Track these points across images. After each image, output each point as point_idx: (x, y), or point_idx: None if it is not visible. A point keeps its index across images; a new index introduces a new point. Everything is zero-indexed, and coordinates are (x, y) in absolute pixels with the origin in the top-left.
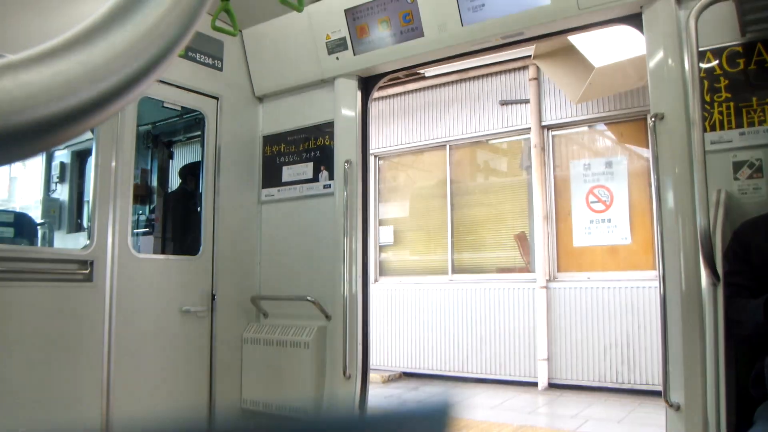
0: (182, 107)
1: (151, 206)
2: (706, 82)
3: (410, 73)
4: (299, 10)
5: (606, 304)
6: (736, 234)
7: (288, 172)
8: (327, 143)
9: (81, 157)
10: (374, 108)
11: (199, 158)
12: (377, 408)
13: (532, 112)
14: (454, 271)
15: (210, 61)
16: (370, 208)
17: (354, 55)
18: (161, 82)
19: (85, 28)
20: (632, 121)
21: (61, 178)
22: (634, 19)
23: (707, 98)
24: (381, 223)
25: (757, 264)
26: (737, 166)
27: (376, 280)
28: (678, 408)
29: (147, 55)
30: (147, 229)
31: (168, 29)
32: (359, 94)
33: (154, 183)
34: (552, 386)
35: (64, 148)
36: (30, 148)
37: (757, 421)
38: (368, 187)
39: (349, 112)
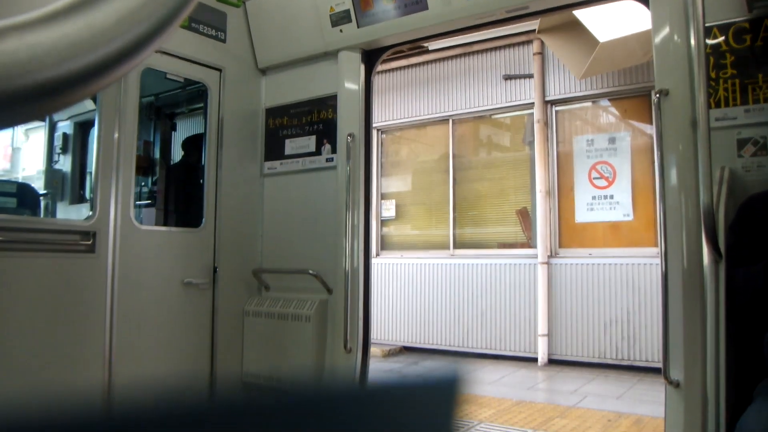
0: (185, 79)
1: (154, 178)
2: (711, 59)
3: (414, 46)
4: None
5: (607, 281)
6: (741, 207)
7: (291, 145)
8: (330, 117)
9: (84, 128)
10: (377, 81)
11: (201, 130)
12: (387, 379)
13: (536, 87)
14: (455, 246)
15: (213, 32)
16: (372, 182)
17: (358, 27)
18: (164, 53)
19: None
20: (636, 96)
21: (64, 149)
22: None
23: (713, 74)
24: (383, 197)
25: (760, 236)
26: (741, 143)
27: (377, 254)
28: (677, 385)
29: (151, 21)
30: (149, 201)
31: None
32: (363, 67)
33: (157, 155)
34: (551, 362)
35: (66, 119)
36: (34, 111)
37: (757, 398)
38: (371, 161)
39: (352, 86)
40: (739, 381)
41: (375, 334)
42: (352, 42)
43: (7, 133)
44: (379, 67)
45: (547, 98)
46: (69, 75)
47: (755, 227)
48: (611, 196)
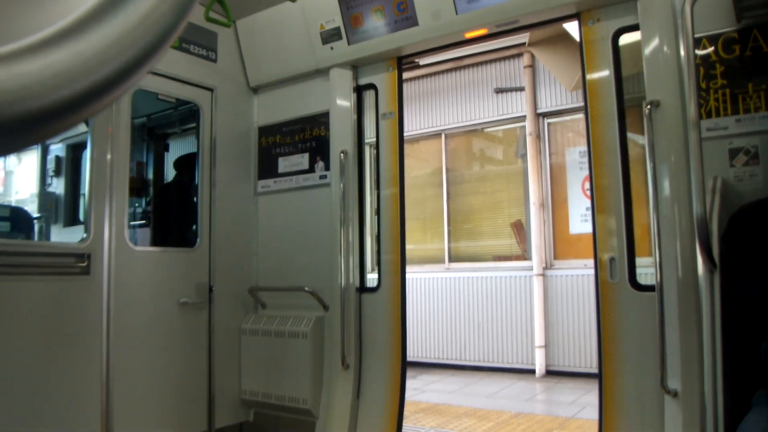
0: (177, 99)
1: (147, 199)
2: (701, 69)
3: (405, 61)
4: (293, 0)
5: None
6: (733, 217)
7: (284, 163)
8: (322, 133)
9: (76, 151)
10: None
11: (194, 150)
12: None
13: (528, 100)
14: (450, 260)
15: (204, 52)
16: (366, 198)
17: (348, 44)
18: (155, 74)
19: (78, 18)
20: (628, 108)
21: (57, 172)
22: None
23: (703, 85)
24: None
25: (754, 246)
26: (733, 153)
27: (372, 270)
28: (675, 394)
29: (140, 46)
30: (143, 222)
31: (161, 19)
32: (354, 84)
33: (150, 176)
34: (549, 373)
35: (59, 142)
36: (23, 141)
37: (754, 407)
38: (364, 176)
39: (344, 102)
40: (736, 390)
41: None
42: (343, 59)
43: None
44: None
45: (539, 111)
46: (60, 103)
47: (749, 237)
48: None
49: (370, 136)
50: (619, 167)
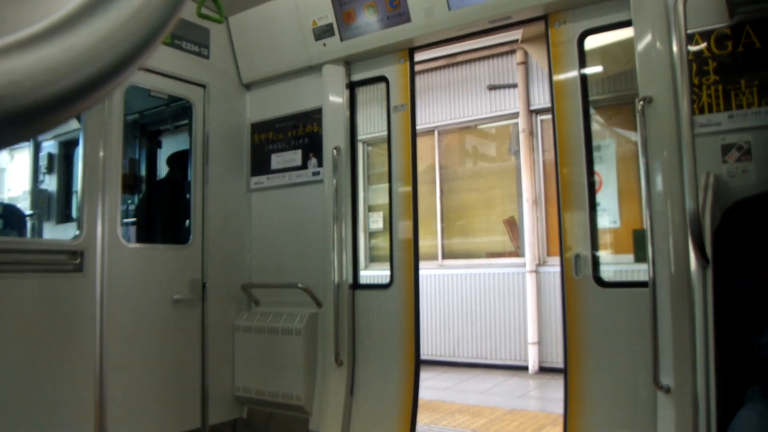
0: (169, 96)
1: (140, 196)
2: (694, 65)
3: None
4: None
5: None
6: (726, 213)
7: (277, 160)
8: (315, 130)
9: (69, 148)
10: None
11: (187, 147)
12: None
13: (520, 97)
14: (444, 257)
15: (196, 48)
16: (359, 195)
17: (341, 41)
18: (147, 70)
19: (68, 13)
20: (620, 104)
21: (49, 169)
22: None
23: (696, 81)
24: (370, 209)
25: (747, 242)
26: (726, 149)
27: (365, 267)
28: (668, 390)
29: (132, 41)
30: (136, 219)
31: (153, 14)
32: (347, 80)
33: (143, 172)
34: (543, 370)
35: (51, 139)
36: (14, 136)
37: (747, 402)
38: (357, 173)
39: (336, 99)
40: (729, 385)
41: None
42: (335, 55)
43: None
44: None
45: (532, 107)
46: (50, 98)
47: (742, 234)
48: (598, 204)
49: (363, 133)
50: (584, 165)
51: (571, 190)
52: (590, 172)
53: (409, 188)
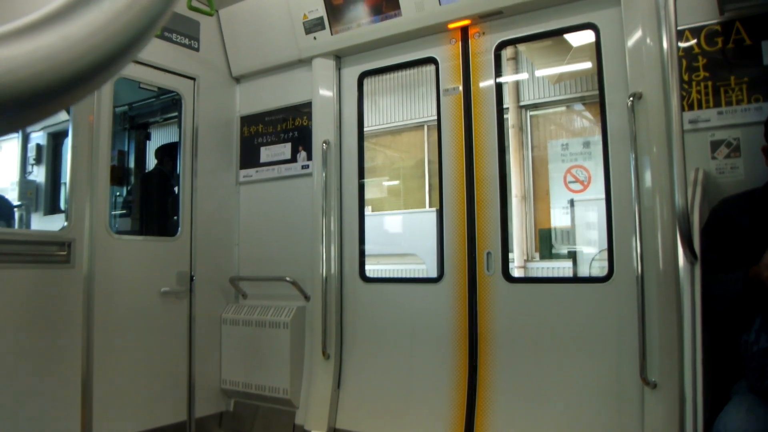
0: (159, 88)
1: (129, 188)
2: (684, 61)
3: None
4: None
5: None
6: (713, 211)
7: (266, 153)
8: (305, 124)
9: (57, 139)
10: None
11: (176, 139)
12: None
13: (510, 92)
14: None
15: (186, 41)
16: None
17: (331, 34)
18: (137, 62)
19: (65, 3)
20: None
21: (38, 160)
22: None
23: (685, 77)
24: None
25: (733, 240)
26: (715, 145)
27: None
28: (654, 386)
29: (128, 31)
30: (125, 211)
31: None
32: (337, 74)
33: (132, 164)
34: None
35: (40, 130)
36: (8, 125)
37: (734, 397)
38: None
39: (326, 92)
40: (716, 381)
41: None
42: (326, 49)
43: None
44: None
45: (522, 103)
46: (46, 87)
47: (729, 232)
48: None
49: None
50: (496, 166)
51: (484, 190)
52: (502, 174)
53: (463, 178)
